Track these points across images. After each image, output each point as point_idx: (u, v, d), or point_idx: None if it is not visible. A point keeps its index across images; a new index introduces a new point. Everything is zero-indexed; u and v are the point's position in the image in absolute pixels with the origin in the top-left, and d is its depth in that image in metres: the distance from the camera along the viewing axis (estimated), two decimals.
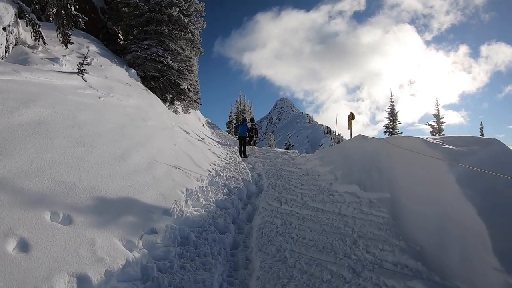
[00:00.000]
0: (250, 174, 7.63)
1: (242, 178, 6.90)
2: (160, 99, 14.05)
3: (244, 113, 32.61)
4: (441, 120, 15.89)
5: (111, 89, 7.37)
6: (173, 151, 6.09)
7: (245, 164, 9.25)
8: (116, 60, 10.51)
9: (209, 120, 31.44)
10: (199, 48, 15.01)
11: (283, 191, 5.77)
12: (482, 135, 15.04)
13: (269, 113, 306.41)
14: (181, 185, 4.65)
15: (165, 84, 13.06)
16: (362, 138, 6.08)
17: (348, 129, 8.52)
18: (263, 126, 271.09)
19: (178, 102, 15.84)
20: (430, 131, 15.86)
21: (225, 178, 6.61)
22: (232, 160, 9.38)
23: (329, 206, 4.52)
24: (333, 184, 5.23)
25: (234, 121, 33.02)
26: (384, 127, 16.51)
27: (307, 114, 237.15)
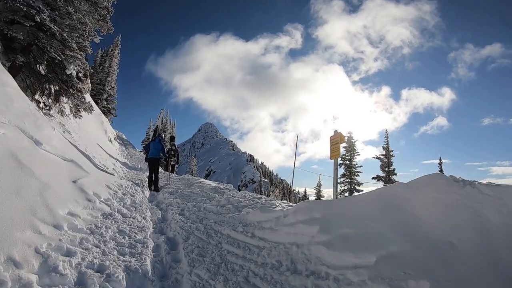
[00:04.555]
0: (151, 245, 3.55)
1: (124, 267, 2.81)
2: (38, 90, 8.47)
3: (164, 131, 27.14)
4: (391, 153, 15.06)
5: None
6: None
7: (148, 211, 5.04)
8: None
9: (123, 136, 24.85)
10: (107, 22, 9.88)
11: None
12: (441, 170, 14.87)
13: (193, 136, 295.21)
14: None
15: (47, 66, 7.85)
16: (458, 185, 2.57)
17: (331, 158, 5.10)
18: (186, 149, 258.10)
19: (66, 99, 10.18)
20: (380, 165, 14.86)
21: (74, 274, 2.39)
22: (126, 204, 4.99)
23: None
24: None
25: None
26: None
27: (231, 141, 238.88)
